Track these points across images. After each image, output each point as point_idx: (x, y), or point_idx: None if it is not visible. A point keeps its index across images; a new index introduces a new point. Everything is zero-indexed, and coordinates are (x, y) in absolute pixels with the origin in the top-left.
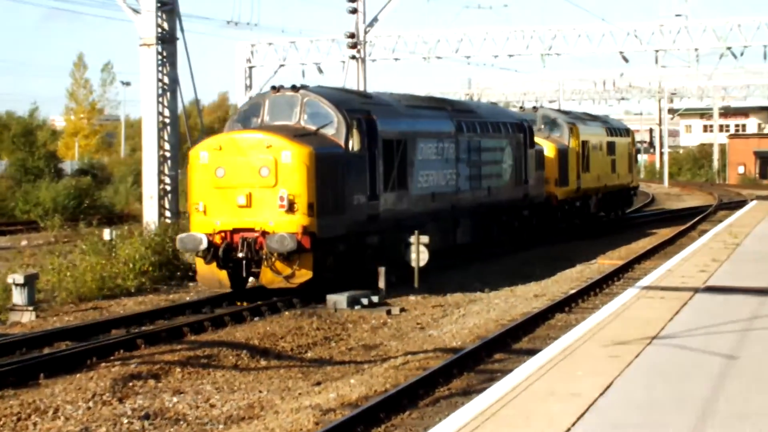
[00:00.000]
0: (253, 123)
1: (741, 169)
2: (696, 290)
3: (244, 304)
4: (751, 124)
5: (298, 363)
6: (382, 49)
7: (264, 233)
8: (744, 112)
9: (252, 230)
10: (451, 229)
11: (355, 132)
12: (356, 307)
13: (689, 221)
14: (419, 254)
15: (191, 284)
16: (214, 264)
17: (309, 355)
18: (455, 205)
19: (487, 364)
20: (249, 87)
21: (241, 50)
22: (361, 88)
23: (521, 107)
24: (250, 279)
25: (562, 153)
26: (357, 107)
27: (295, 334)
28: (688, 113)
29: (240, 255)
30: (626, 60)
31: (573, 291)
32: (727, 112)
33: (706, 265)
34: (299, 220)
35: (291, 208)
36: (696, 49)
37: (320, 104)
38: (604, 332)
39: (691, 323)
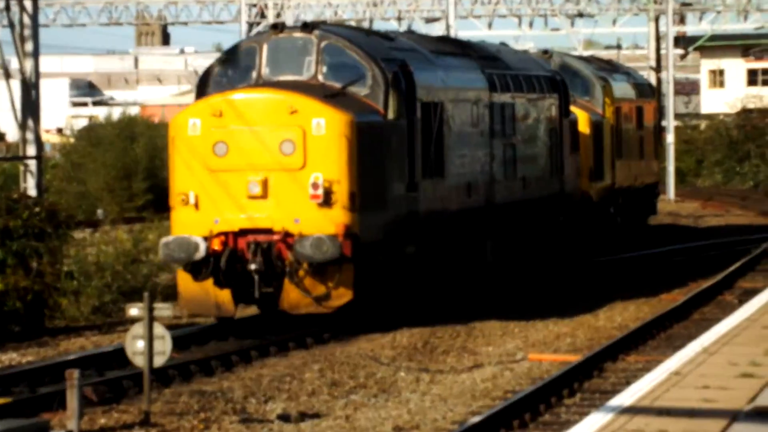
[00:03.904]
0: (244, 78)
1: None
2: (734, 416)
3: None
4: None
5: None
6: None
7: (287, 235)
8: None
9: (269, 231)
10: (482, 240)
11: (392, 92)
12: None
13: (719, 272)
14: (151, 342)
15: None
16: (210, 281)
17: None
18: (490, 202)
19: None
20: None
21: None
22: None
23: (525, 51)
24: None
25: (597, 128)
26: (389, 55)
27: None
28: (718, 45)
29: (252, 267)
30: None
31: (476, 420)
32: None
33: (755, 362)
34: (339, 216)
35: (327, 199)
36: None
37: (346, 51)
38: None
39: None
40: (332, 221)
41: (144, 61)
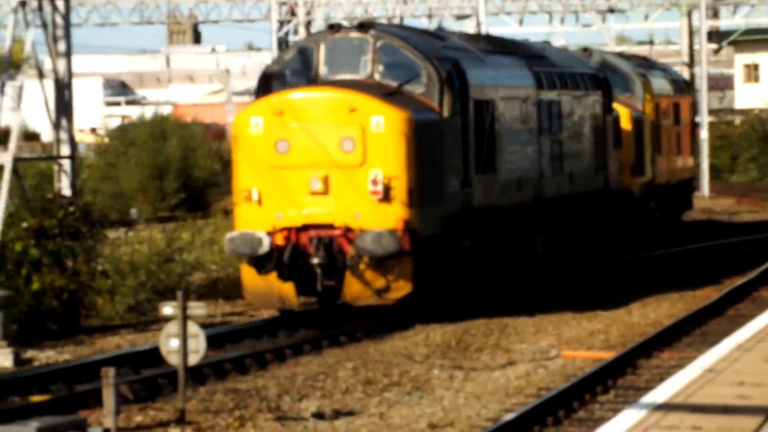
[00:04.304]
0: (303, 77)
1: None
2: None
3: None
4: None
5: None
6: None
7: (348, 230)
8: None
9: (330, 226)
10: (531, 235)
11: (447, 91)
12: None
13: (754, 268)
14: (185, 340)
15: None
16: (274, 274)
17: None
18: (539, 198)
19: None
20: None
21: None
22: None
23: (566, 49)
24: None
25: (638, 124)
26: (442, 54)
27: None
28: (752, 39)
29: (315, 261)
30: None
31: (510, 417)
32: None
33: None
34: (398, 212)
35: (387, 195)
36: None
37: (401, 51)
38: None
39: None
40: (392, 216)
41: (176, 60)
